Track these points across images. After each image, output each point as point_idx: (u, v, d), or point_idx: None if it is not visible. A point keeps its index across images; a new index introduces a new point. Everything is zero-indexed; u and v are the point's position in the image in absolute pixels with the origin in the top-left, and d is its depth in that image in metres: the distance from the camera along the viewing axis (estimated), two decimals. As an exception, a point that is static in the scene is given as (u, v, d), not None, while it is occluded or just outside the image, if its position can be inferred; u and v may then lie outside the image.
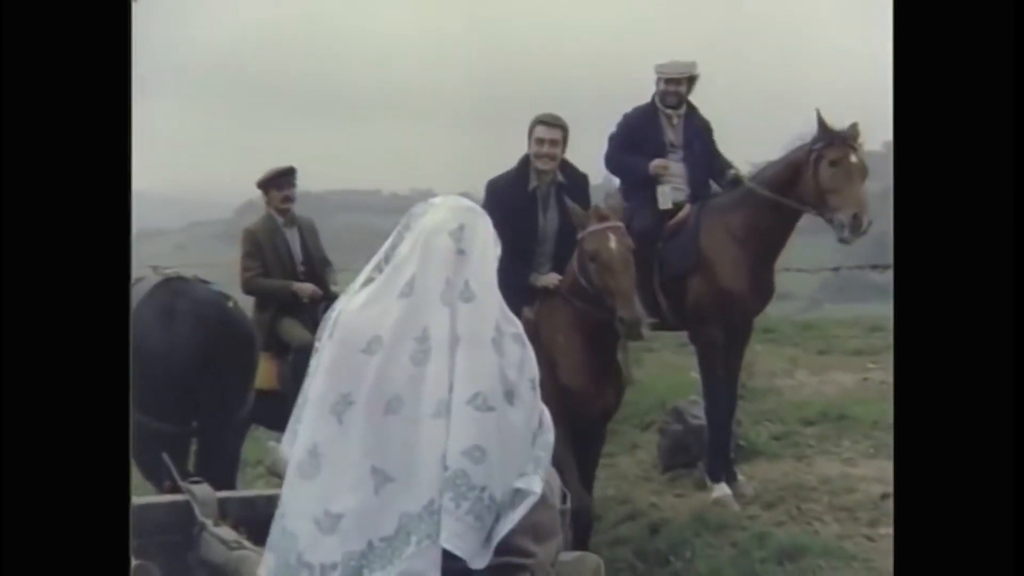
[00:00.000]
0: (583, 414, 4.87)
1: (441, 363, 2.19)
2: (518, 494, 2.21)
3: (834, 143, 5.54)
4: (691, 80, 6.14)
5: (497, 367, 2.22)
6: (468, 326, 2.22)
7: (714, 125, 6.30)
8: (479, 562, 2.15)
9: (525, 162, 5.24)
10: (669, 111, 6.10)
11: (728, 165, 6.19)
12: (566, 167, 5.28)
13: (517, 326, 2.35)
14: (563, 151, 5.22)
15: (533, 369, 2.33)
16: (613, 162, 6.19)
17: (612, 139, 6.17)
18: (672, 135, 6.11)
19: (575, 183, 5.30)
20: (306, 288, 6.00)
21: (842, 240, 5.63)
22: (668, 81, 6.07)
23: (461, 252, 2.29)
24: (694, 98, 6.23)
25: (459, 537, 2.13)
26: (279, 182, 6.09)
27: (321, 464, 2.20)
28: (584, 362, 4.90)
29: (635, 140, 6.10)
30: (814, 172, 5.57)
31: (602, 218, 4.81)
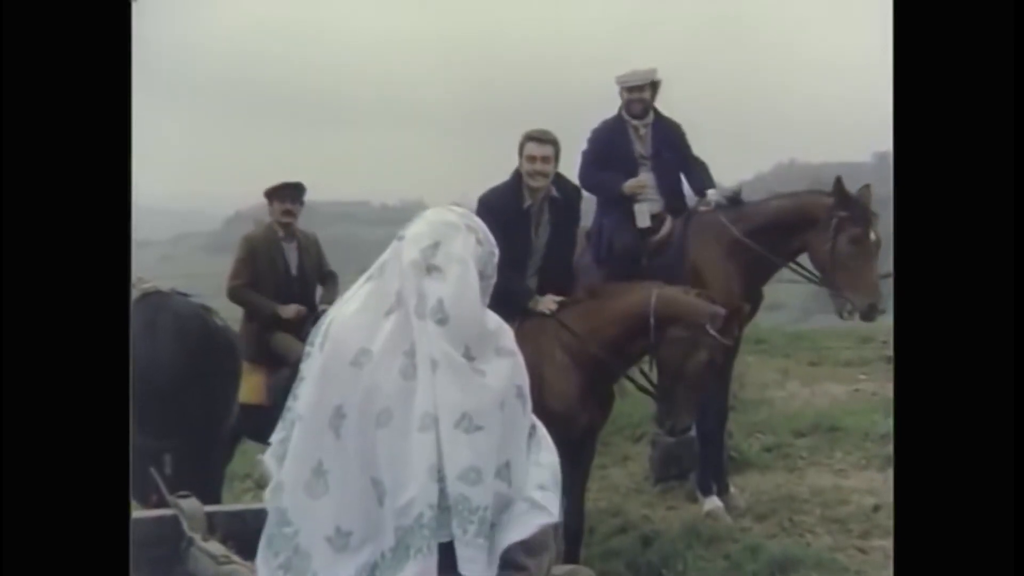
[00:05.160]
0: (567, 433, 4.82)
1: (426, 378, 2.17)
2: (532, 507, 2.22)
3: (854, 216, 5.49)
4: (654, 86, 6.07)
5: (481, 385, 2.19)
6: (443, 349, 2.18)
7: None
8: None
9: (517, 178, 5.12)
10: (636, 122, 6.05)
11: (704, 169, 6.14)
12: (559, 180, 5.21)
13: (507, 337, 2.31)
14: (556, 166, 5.13)
15: (521, 376, 2.29)
16: (586, 180, 6.08)
17: (584, 156, 6.12)
18: (640, 147, 6.07)
19: (567, 196, 5.25)
20: (289, 310, 5.95)
21: (843, 317, 5.65)
22: (631, 90, 6.02)
23: (433, 269, 2.24)
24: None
25: (473, 561, 2.14)
26: (281, 194, 6.08)
27: (329, 481, 2.20)
28: (573, 382, 4.83)
29: (605, 155, 6.05)
30: (833, 244, 5.52)
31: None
